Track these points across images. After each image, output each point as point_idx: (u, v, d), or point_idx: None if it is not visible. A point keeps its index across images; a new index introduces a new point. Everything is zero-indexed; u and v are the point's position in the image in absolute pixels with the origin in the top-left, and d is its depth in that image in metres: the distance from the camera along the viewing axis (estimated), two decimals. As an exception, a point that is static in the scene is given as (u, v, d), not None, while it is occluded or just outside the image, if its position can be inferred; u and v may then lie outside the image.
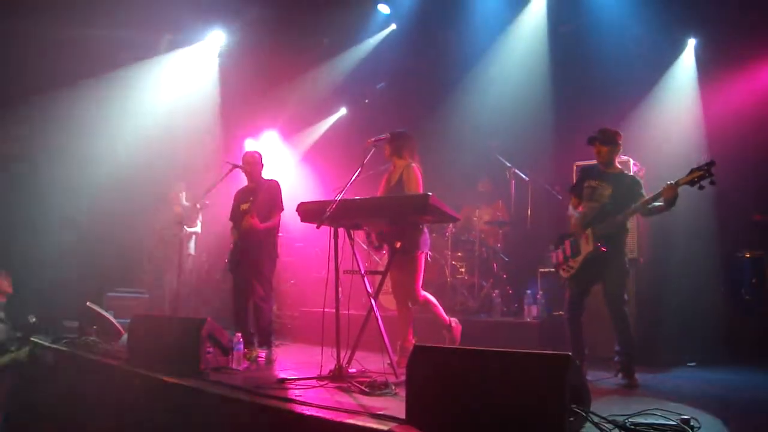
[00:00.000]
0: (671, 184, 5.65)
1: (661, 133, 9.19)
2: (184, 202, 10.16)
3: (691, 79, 9.67)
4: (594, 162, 6.48)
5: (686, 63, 9.85)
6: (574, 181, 6.64)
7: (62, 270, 9.82)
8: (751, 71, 8.84)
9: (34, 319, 8.72)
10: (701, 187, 5.53)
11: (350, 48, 11.92)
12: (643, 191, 6.18)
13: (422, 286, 6.66)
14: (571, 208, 6.58)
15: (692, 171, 5.55)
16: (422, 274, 6.71)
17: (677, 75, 9.83)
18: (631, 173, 7.79)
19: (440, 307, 6.82)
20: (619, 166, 6.43)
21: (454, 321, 6.88)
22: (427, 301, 6.72)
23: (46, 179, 10.20)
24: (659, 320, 7.81)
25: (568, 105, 9.75)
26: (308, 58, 11.68)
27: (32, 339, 8.03)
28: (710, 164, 5.49)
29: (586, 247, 6.16)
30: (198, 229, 10.21)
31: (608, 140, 6.25)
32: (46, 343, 7.66)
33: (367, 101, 12.10)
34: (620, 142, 6.30)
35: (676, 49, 9.89)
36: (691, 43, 9.84)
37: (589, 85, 9.74)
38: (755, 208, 8.56)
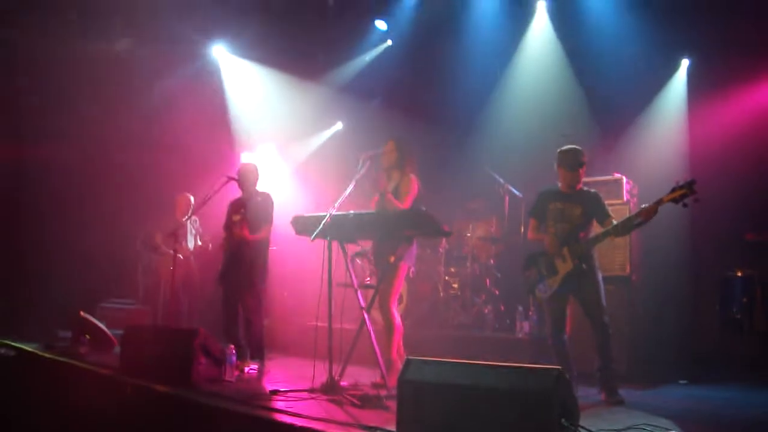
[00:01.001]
0: (651, 205, 5.72)
1: (653, 152, 9.24)
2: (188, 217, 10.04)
3: (682, 99, 9.74)
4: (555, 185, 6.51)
5: (679, 83, 9.91)
6: (534, 205, 6.65)
7: (58, 280, 9.83)
8: (741, 92, 8.89)
9: None
10: (685, 205, 5.60)
11: (346, 63, 11.99)
12: (605, 204, 6.31)
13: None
14: (531, 231, 6.62)
15: (674, 189, 5.62)
16: (401, 286, 6.69)
17: (670, 94, 9.88)
18: (624, 191, 7.88)
19: (400, 342, 6.52)
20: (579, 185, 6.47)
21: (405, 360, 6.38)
22: (393, 325, 6.39)
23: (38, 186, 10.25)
24: (651, 337, 7.83)
25: (562, 122, 9.76)
26: (304, 72, 11.75)
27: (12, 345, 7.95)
28: (691, 182, 5.57)
29: (564, 266, 6.15)
30: (191, 245, 10.12)
31: (578, 164, 6.30)
32: (38, 352, 7.64)
33: (361, 117, 12.12)
34: (585, 161, 6.35)
35: (670, 69, 9.94)
36: (685, 63, 9.90)
37: (584, 103, 9.80)
38: (747, 227, 8.60)
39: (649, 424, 4.20)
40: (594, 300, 6.15)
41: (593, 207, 6.25)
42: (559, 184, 6.45)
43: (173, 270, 8.51)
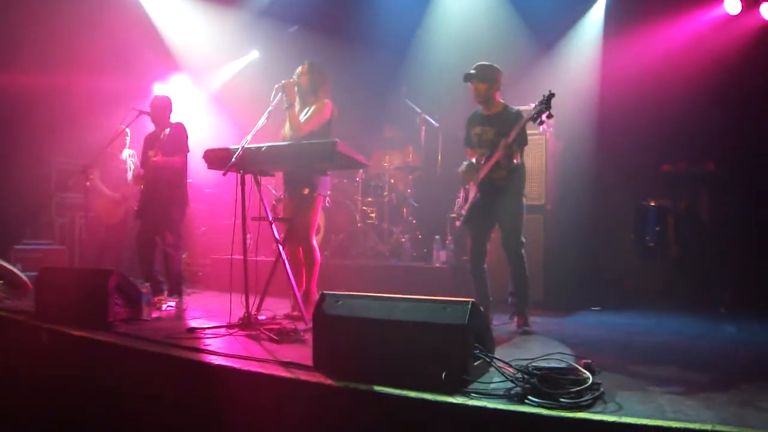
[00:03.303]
0: (503, 143, 5.72)
1: (565, 83, 9.28)
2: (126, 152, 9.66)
3: (598, 32, 9.70)
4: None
5: (597, 15, 9.82)
6: (465, 133, 6.44)
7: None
8: (657, 26, 8.90)
9: None
10: (541, 123, 5.52)
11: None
12: (522, 127, 5.85)
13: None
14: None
15: (535, 106, 5.54)
16: (318, 217, 6.70)
17: (587, 27, 9.83)
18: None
19: (316, 272, 6.56)
20: (501, 101, 6.19)
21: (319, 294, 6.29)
22: (314, 258, 6.52)
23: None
24: (565, 265, 8.01)
25: (478, 50, 9.72)
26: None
27: None
28: (550, 96, 5.46)
29: (472, 194, 6.14)
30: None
31: (486, 76, 6.04)
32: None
33: (279, 46, 11.85)
34: (499, 78, 6.09)
35: (589, 2, 9.88)
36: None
37: (499, 31, 9.77)
38: (662, 159, 8.79)
39: (562, 353, 4.30)
40: (510, 230, 6.07)
41: (507, 128, 5.87)
42: (480, 107, 6.23)
43: (86, 204, 8.35)
